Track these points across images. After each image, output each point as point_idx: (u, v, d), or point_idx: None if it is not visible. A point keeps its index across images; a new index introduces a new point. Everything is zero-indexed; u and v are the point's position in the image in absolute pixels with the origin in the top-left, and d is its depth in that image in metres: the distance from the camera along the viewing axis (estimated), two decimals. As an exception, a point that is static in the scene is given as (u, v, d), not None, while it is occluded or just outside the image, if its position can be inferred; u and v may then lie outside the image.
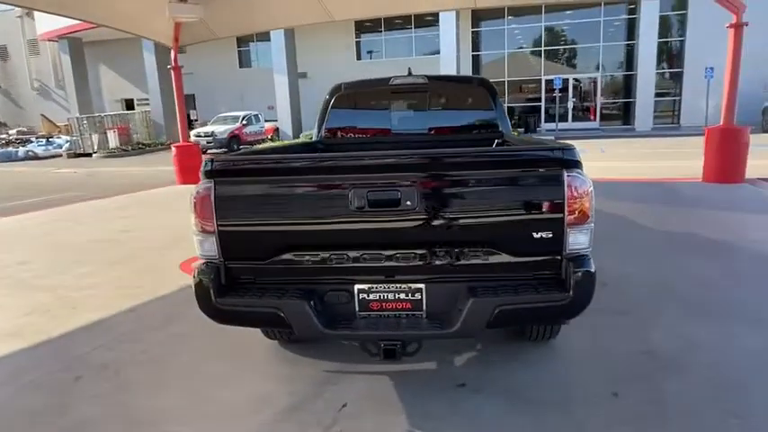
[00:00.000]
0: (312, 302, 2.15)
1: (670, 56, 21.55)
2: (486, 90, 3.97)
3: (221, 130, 20.21)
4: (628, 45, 21.93)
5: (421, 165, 2.10)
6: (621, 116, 22.69)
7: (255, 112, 22.53)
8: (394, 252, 2.14)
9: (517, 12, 22.39)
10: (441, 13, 20.30)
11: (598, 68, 22.59)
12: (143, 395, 2.75)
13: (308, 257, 2.19)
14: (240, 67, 28.10)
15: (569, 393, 2.57)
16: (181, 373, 2.97)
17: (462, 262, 2.13)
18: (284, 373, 2.90)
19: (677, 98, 21.07)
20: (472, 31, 23.37)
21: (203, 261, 2.30)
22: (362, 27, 24.89)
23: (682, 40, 20.47)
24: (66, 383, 2.89)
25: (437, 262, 2.13)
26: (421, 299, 2.20)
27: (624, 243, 5.03)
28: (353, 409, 2.48)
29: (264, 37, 23.39)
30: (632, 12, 20.95)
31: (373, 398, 2.58)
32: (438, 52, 22.11)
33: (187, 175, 11.43)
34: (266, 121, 23.12)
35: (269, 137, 22.61)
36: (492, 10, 22.29)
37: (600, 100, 22.57)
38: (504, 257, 2.12)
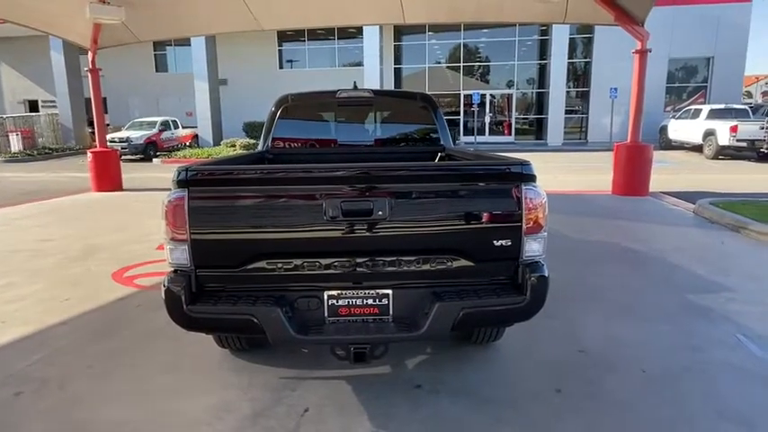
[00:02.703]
0: (284, 309, 2.18)
1: (578, 76, 23.51)
2: (428, 105, 4.16)
3: (137, 135, 19.06)
4: (540, 64, 23.65)
5: (392, 176, 2.22)
6: (534, 131, 24.34)
7: (173, 118, 21.51)
8: (364, 259, 2.23)
9: (437, 28, 23.37)
10: (365, 27, 20.71)
11: (513, 85, 24.08)
12: (94, 410, 2.60)
13: (279, 265, 2.22)
14: (156, 71, 26.74)
15: (518, 391, 2.76)
16: (130, 386, 2.84)
17: (428, 268, 2.26)
18: (239, 381, 2.86)
19: (584, 116, 23.02)
20: (394, 45, 24.05)
21: (173, 269, 2.26)
22: (285, 36, 24.71)
23: (588, 62, 22.43)
24: (6, 400, 2.68)
25: (404, 269, 2.24)
26: (388, 304, 2.30)
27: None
28: (316, 414, 2.52)
29: (183, 41, 22.52)
30: (544, 33, 22.66)
31: (334, 402, 2.63)
32: (360, 63, 22.47)
33: (104, 183, 10.74)
34: (184, 127, 22.17)
35: (187, 144, 21.69)
36: (414, 26, 23.12)
37: (514, 115, 24.07)
38: (467, 264, 2.27)
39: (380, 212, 2.14)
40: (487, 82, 24.94)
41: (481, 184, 2.26)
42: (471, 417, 2.51)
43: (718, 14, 20.46)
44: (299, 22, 11.44)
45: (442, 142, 4.12)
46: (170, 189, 2.28)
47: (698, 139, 16.55)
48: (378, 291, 2.29)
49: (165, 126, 20.49)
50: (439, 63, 24.78)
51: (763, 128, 14.65)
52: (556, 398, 2.68)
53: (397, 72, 24.53)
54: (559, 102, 21.75)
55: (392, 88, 22.95)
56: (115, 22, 9.21)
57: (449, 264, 2.27)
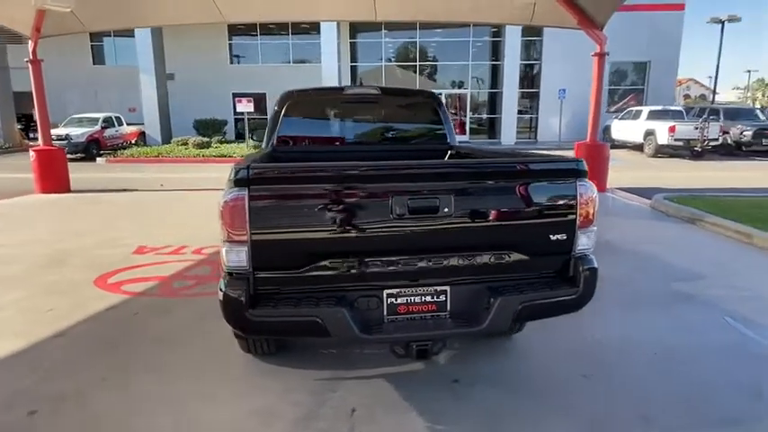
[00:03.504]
0: (348, 309, 2.17)
1: (529, 77, 24.42)
2: (435, 102, 4.21)
3: (78, 132, 17.85)
4: (493, 65, 24.35)
5: (459, 173, 2.25)
6: (488, 130, 25.05)
7: (116, 114, 20.35)
8: (425, 257, 2.24)
9: (392, 27, 23.52)
10: (322, 23, 20.52)
11: (467, 85, 24.66)
12: (124, 426, 2.46)
13: (342, 265, 2.20)
14: (94, 63, 25.15)
15: (549, 379, 2.88)
16: (156, 396, 2.71)
17: (484, 264, 2.31)
18: (273, 385, 2.80)
19: (534, 116, 23.97)
20: (350, 43, 24.00)
21: (229, 272, 2.17)
22: (235, 30, 23.96)
23: (539, 63, 23.36)
24: (20, 422, 2.47)
25: (462, 265, 2.28)
26: (445, 300, 2.33)
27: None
28: (365, 414, 2.52)
29: (125, 32, 21.34)
30: (496, 35, 23.36)
31: (378, 401, 2.63)
32: (315, 61, 22.26)
33: (50, 183, 9.99)
34: (129, 124, 21.02)
35: (133, 142, 20.60)
36: (369, 24, 23.16)
37: (469, 115, 24.66)
38: (522, 258, 2.34)
39: (446, 209, 2.16)
40: (442, 81, 25.38)
41: (540, 180, 2.33)
42: (514, 405, 2.59)
43: (655, 21, 21.88)
44: (267, 15, 11.13)
45: (448, 140, 4.19)
46: (225, 188, 2.18)
47: (639, 139, 17.66)
48: (436, 288, 2.31)
49: (109, 123, 19.34)
50: (394, 62, 24.94)
51: (697, 128, 15.87)
52: (585, 382, 2.83)
53: (354, 70, 24.46)
54: (512, 101, 22.51)
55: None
56: (64, 9, 8.55)
57: (505, 258, 2.33)
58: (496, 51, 23.83)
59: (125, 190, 10.37)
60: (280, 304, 2.16)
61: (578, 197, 2.32)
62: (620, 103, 23.06)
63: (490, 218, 2.26)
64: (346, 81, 23.24)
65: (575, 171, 2.34)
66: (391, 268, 2.22)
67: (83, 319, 3.74)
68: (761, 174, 12.55)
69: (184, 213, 7.84)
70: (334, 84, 20.86)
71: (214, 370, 2.98)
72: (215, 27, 22.39)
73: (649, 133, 16.99)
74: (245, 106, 17.10)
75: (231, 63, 24.40)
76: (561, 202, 2.32)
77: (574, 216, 2.32)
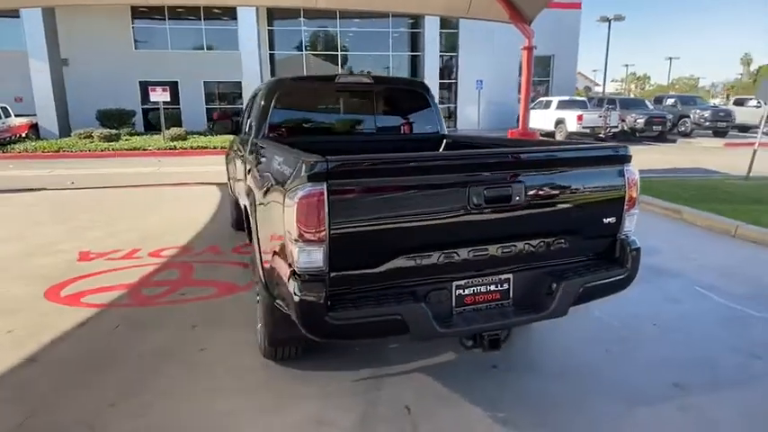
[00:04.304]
0: (425, 304, 2.10)
1: (448, 68, 25.10)
2: (425, 92, 4.18)
3: (-45, 126, 15.52)
4: (414, 55, 24.68)
5: (530, 162, 2.25)
6: (409, 119, 25.46)
7: (2, 104, 17.90)
8: (495, 246, 2.23)
9: (312, 14, 22.99)
10: (239, 9, 19.53)
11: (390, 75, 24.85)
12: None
13: (417, 259, 2.12)
14: (-34, 46, 21.89)
15: (576, 359, 2.98)
16: (186, 416, 2.44)
17: (545, 250, 2.35)
18: (309, 391, 2.63)
19: (453, 105, 24.74)
20: (268, 30, 23.09)
21: (300, 274, 1.98)
22: (139, 12, 22.03)
23: (456, 55, 24.07)
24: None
25: (525, 252, 2.29)
26: (508, 288, 2.33)
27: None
28: (420, 409, 2.47)
29: (8, 13, 18.76)
30: (415, 26, 23.69)
31: (427, 394, 2.59)
32: (232, 48, 21.20)
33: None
34: (17, 115, 18.60)
35: (24, 135, 18.27)
36: (287, 10, 22.44)
37: (391, 104, 24.86)
38: (578, 242, 2.42)
39: (518, 198, 2.16)
40: (364, 71, 25.31)
41: (597, 165, 2.40)
42: (556, 388, 2.67)
43: (557, 18, 23.43)
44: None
45: (439, 129, 4.20)
46: (291, 183, 1.98)
47: (551, 127, 18.93)
48: (500, 276, 2.30)
49: (-8, 114, 16.97)
50: (315, 50, 24.40)
51: (600, 117, 17.37)
52: (606, 356, 3.01)
53: (272, 58, 23.59)
54: (434, 92, 23.01)
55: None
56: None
57: (563, 243, 2.38)
58: (415, 42, 24.22)
59: (31, 189, 9.19)
60: (359, 304, 2.02)
61: (627, 181, 2.43)
62: (532, 94, 24.56)
63: (554, 204, 2.29)
64: (266, 70, 22.37)
65: (624, 157, 2.45)
66: (462, 259, 2.18)
67: (53, 338, 3.26)
68: (658, 156, 14.01)
69: (113, 213, 7.11)
70: (256, 72, 20.03)
71: (235, 383, 2.74)
72: (115, 9, 20.45)
73: (560, 122, 18.29)
74: (161, 95, 15.88)
75: (136, 49, 22.43)
76: (613, 186, 2.42)
77: (622, 199, 2.43)
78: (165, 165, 13.04)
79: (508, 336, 2.36)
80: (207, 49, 23.02)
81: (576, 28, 24.43)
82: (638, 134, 18.74)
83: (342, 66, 24.23)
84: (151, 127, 21.18)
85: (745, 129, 21.11)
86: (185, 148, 15.76)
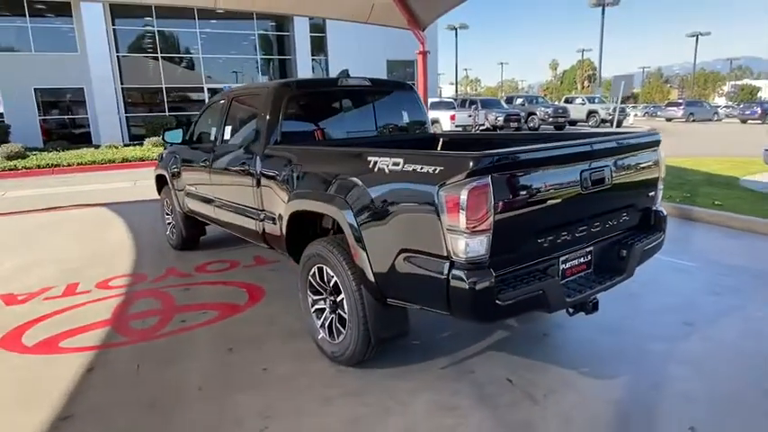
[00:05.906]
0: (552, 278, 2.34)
1: (318, 71, 25.09)
2: (414, 93, 4.39)
3: None
4: (284, 59, 24.18)
5: (613, 149, 2.63)
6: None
7: None
8: (591, 222, 2.58)
9: (165, 13, 21.22)
10: (83, 5, 17.25)
11: (258, 79, 23.99)
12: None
13: (549, 240, 2.37)
14: None
15: (602, 348, 3.08)
16: (332, 427, 2.31)
17: (614, 223, 2.75)
18: (415, 385, 2.67)
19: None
20: (113, 29, 20.72)
21: (466, 264, 2.07)
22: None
23: (326, 59, 24.22)
24: None
25: (602, 226, 2.66)
26: (590, 259, 2.67)
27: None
28: (519, 380, 2.68)
29: None
30: (280, 28, 23.25)
31: (519, 368, 2.80)
32: (69, 49, 18.68)
33: None
34: None
35: None
36: (137, 7, 20.43)
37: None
38: (632, 213, 2.87)
39: (607, 179, 2.53)
40: (234, 75, 24.08)
41: (648, 149, 2.89)
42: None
43: (417, 24, 25.11)
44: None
45: (428, 128, 4.44)
46: (452, 178, 2.05)
47: (424, 126, 20.30)
48: (586, 249, 2.63)
49: None
50: (170, 53, 22.53)
51: (470, 116, 19.16)
52: (624, 337, 3.42)
53: (118, 61, 21.19)
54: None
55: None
56: None
57: (626, 216, 2.82)
58: (282, 45, 23.85)
59: None
60: (514, 285, 2.21)
61: (660, 161, 2.96)
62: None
63: (625, 183, 2.71)
64: (116, 74, 20.06)
65: (659, 141, 2.99)
66: (571, 236, 2.48)
67: (64, 391, 2.73)
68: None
69: None
70: (108, 77, 17.89)
71: (333, 388, 2.65)
72: None
73: (435, 121, 19.63)
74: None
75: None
76: (654, 165, 2.93)
77: (658, 175, 2.97)
78: (9, 188, 11.00)
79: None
80: (36, 51, 19.82)
81: (435, 34, 26.38)
82: (498, 130, 21.06)
83: (203, 69, 22.83)
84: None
85: (573, 123, 25.02)
86: (29, 168, 13.50)
